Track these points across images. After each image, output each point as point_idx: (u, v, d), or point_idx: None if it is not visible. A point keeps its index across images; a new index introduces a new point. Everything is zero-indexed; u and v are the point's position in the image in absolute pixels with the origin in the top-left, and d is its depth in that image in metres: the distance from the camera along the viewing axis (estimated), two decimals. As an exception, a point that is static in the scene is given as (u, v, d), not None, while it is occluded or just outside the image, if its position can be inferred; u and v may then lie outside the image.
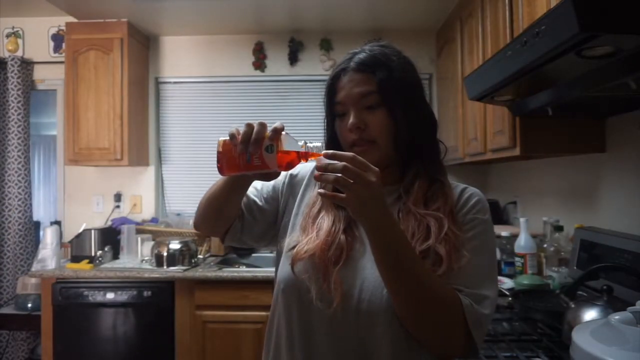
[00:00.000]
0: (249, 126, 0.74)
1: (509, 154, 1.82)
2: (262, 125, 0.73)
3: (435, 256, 0.76)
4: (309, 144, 0.74)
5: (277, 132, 0.73)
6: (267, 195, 0.98)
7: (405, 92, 0.86)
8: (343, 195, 0.67)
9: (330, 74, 0.89)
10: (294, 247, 0.85)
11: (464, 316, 0.73)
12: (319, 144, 0.74)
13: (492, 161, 2.41)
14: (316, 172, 0.68)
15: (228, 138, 0.75)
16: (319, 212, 0.89)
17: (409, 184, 0.86)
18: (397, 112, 0.84)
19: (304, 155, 0.74)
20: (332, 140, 0.91)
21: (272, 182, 0.97)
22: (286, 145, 0.74)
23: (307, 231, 0.87)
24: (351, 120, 0.83)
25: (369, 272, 0.80)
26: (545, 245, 1.97)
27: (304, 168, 1.00)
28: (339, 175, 0.66)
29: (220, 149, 0.76)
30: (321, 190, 0.70)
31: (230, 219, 0.92)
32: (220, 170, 0.77)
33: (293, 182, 0.99)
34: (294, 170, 0.98)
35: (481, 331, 0.75)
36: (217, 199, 0.87)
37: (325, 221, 0.86)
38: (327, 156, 0.68)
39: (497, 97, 1.55)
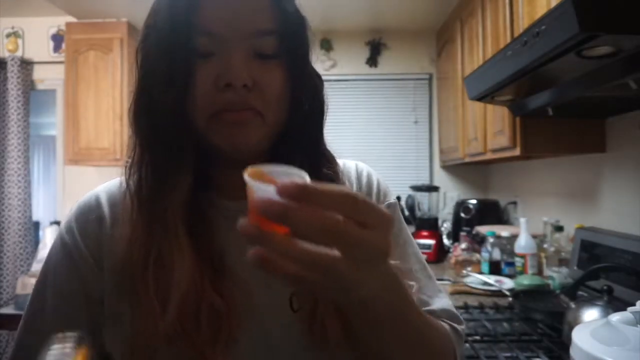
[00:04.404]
0: None
1: (509, 154, 1.83)
2: None
3: None
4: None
5: None
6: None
7: (307, 49, 0.56)
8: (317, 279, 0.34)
9: None
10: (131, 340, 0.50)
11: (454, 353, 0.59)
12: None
13: (492, 161, 2.41)
14: (252, 251, 0.32)
15: None
16: (156, 262, 0.50)
17: None
18: (298, 73, 0.53)
19: None
20: (176, 106, 0.50)
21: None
22: None
23: (144, 303, 0.49)
24: (234, 69, 0.48)
25: (287, 342, 0.53)
26: (545, 246, 1.97)
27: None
28: (316, 254, 0.32)
29: None
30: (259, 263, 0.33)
31: None
32: None
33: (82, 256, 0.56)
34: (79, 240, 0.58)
35: (463, 349, 0.62)
36: None
37: (175, 274, 0.49)
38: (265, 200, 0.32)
39: (497, 97, 1.55)
